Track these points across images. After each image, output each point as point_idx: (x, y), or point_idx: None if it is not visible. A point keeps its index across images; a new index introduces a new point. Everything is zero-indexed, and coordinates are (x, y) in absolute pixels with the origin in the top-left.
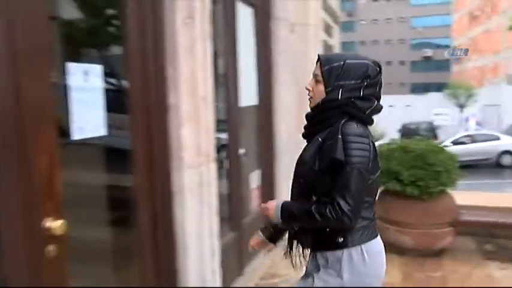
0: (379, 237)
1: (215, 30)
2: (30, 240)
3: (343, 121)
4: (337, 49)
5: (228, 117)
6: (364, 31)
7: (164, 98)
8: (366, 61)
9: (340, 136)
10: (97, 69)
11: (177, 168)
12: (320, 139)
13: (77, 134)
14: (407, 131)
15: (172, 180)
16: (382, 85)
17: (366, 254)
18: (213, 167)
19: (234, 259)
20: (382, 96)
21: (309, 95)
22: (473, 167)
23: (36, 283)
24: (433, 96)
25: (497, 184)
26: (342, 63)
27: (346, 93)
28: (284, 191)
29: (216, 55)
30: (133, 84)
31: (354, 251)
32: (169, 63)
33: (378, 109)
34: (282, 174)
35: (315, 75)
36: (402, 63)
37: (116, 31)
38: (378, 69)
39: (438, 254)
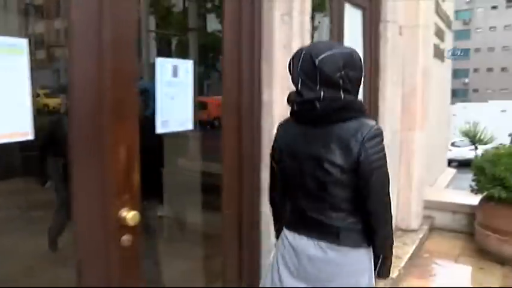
0: (295, 233)
1: (321, 31)
2: (105, 229)
3: None
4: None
5: None
6: (479, 39)
7: (258, 95)
8: None
9: None
10: (187, 64)
11: (267, 166)
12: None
13: (161, 128)
14: None
15: (261, 178)
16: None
17: (285, 240)
18: None
19: None
20: (495, 100)
21: None
22: None
23: (110, 272)
24: None
25: None
26: None
27: None
28: None
29: None
30: (227, 80)
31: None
32: (265, 60)
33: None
34: None
35: None
36: None
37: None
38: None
39: None
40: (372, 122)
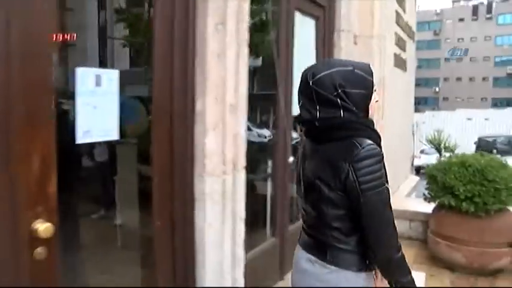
0: (299, 247)
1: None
2: (15, 242)
3: None
4: (410, 63)
5: (278, 125)
6: (449, 49)
7: (190, 103)
8: None
9: None
10: (112, 74)
11: (199, 176)
12: None
13: (82, 138)
14: (484, 144)
15: (193, 187)
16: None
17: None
18: (240, 175)
19: (274, 264)
20: (462, 109)
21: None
22: None
23: (22, 285)
24: (508, 111)
25: None
26: None
27: None
28: None
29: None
30: (158, 88)
31: None
32: (198, 68)
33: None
34: None
35: None
36: (485, 79)
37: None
38: None
39: (493, 274)
40: (365, 142)
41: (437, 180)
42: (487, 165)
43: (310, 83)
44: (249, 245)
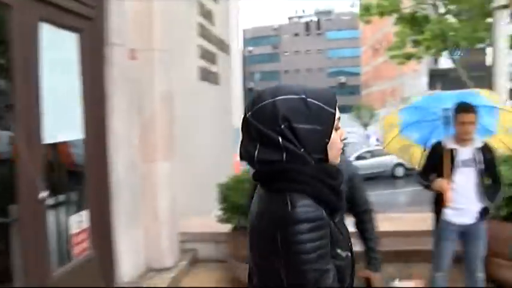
0: None
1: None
2: None
3: None
4: (225, 76)
5: (22, 156)
6: (287, 61)
7: None
8: None
9: None
10: None
11: None
12: None
13: None
14: None
15: None
16: None
17: None
18: None
19: None
20: None
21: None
22: (373, 179)
23: None
24: (342, 117)
25: (391, 194)
26: None
27: None
28: (122, 230)
29: None
30: None
31: None
32: None
33: None
34: (120, 211)
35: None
36: None
37: None
38: None
39: None
40: (300, 202)
41: (230, 200)
42: None
43: (247, 114)
44: None
